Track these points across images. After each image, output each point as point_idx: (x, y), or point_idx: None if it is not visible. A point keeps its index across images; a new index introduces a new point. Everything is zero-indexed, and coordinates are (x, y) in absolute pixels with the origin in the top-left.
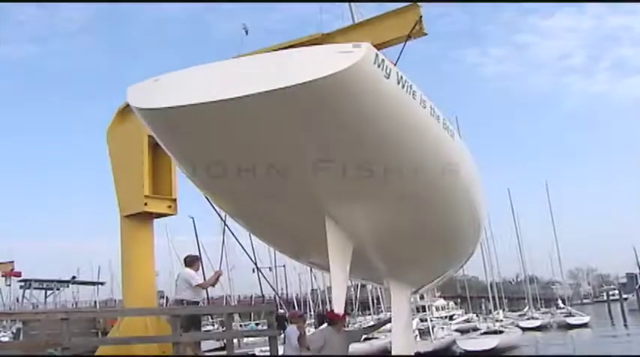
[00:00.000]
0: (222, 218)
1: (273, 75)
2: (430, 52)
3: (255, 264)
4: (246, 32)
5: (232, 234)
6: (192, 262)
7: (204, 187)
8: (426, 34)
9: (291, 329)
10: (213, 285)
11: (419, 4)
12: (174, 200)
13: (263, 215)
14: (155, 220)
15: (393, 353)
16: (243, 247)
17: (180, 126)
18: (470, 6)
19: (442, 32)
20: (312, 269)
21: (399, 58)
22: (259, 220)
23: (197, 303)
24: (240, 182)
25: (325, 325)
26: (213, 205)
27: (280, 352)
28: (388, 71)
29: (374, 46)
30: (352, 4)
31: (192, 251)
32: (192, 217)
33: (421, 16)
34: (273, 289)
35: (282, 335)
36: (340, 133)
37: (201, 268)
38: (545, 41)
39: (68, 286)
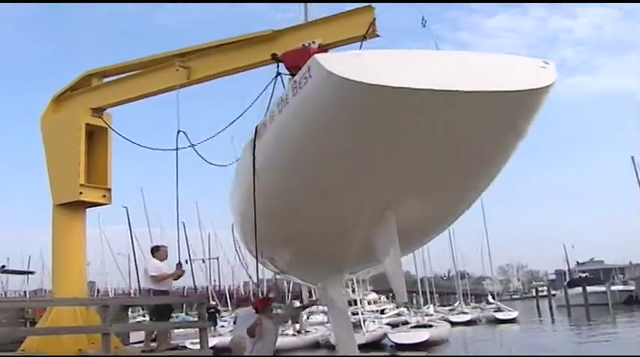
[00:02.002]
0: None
1: (495, 75)
2: (372, 47)
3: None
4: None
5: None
6: (153, 251)
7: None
8: (378, 36)
9: (245, 312)
10: (176, 278)
11: (372, 6)
12: (109, 190)
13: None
14: (87, 210)
15: (344, 353)
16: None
17: (411, 109)
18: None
19: (388, 27)
20: (245, 262)
21: None
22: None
23: (165, 292)
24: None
25: (254, 312)
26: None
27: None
28: None
29: (325, 45)
30: (307, 4)
31: (125, 241)
32: (126, 207)
33: (375, 18)
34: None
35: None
36: (508, 137)
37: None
38: (486, 40)
39: None
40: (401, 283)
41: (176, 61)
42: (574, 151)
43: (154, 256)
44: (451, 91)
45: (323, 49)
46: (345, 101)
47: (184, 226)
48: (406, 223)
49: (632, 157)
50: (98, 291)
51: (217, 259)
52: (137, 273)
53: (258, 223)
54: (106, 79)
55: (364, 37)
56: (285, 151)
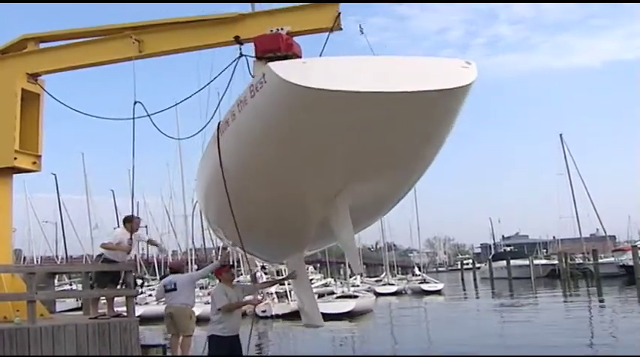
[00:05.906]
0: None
1: (425, 76)
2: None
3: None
4: (362, 32)
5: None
6: (125, 221)
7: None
8: (341, 29)
9: (184, 279)
10: (128, 252)
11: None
12: (39, 156)
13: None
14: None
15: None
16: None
17: (347, 110)
18: None
19: None
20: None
21: (323, 49)
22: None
23: (114, 263)
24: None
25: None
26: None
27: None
28: None
29: (292, 33)
30: None
31: (52, 209)
32: (55, 174)
33: (340, 13)
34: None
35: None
36: (434, 132)
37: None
38: (425, 14)
39: None
40: (355, 257)
41: (130, 33)
42: (505, 128)
43: (124, 226)
44: (388, 92)
45: (291, 35)
46: (294, 104)
47: (114, 194)
48: (357, 205)
49: (561, 135)
50: (24, 259)
51: (146, 227)
52: (64, 241)
53: (224, 208)
54: (43, 45)
55: (331, 30)
56: (245, 148)
